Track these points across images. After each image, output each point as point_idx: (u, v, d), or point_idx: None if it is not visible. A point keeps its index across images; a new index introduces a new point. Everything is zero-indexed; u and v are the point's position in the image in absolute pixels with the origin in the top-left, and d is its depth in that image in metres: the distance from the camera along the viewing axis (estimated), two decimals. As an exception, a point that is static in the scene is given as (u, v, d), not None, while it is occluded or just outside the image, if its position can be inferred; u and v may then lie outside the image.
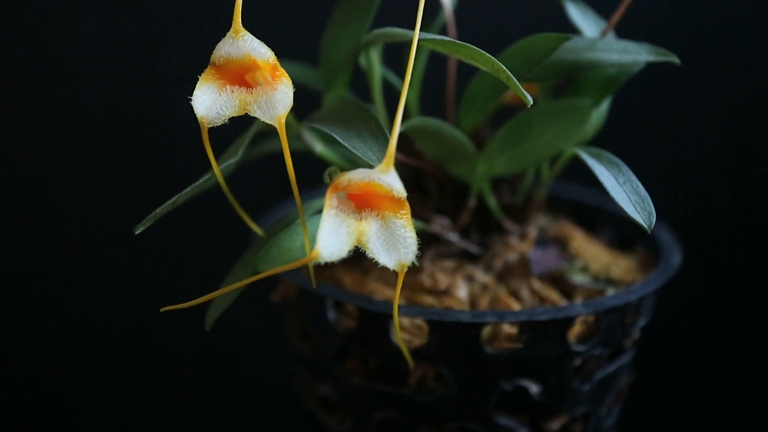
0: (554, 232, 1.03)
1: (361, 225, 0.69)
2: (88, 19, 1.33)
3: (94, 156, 1.38)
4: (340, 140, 0.74)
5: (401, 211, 0.68)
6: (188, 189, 0.77)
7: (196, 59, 0.80)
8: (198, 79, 0.71)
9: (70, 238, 1.40)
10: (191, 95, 0.71)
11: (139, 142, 1.39)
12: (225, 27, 0.72)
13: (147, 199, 1.01)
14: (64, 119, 1.36)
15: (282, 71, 0.71)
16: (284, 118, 0.70)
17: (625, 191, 0.78)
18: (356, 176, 0.68)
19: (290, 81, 0.71)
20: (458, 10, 1.01)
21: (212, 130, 0.72)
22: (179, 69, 1.32)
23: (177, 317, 1.04)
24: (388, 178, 0.67)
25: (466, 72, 0.93)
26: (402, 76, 0.96)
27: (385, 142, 0.74)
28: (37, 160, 1.37)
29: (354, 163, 0.93)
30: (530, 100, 0.72)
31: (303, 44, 1.04)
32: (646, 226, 0.75)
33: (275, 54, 0.71)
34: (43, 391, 1.45)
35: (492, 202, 0.95)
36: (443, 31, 0.98)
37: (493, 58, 0.72)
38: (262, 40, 0.71)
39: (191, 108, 0.71)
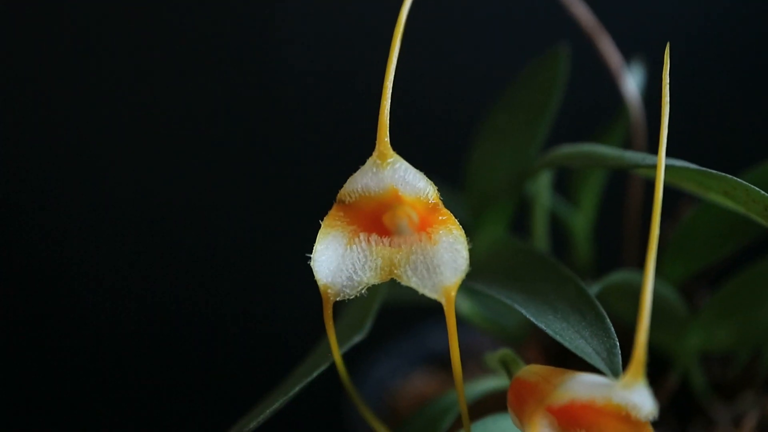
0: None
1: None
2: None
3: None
4: (533, 319, 0.49)
5: None
6: (301, 381, 0.52)
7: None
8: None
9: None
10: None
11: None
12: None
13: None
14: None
15: (448, 214, 0.47)
16: (455, 290, 0.45)
17: None
18: (581, 391, 0.42)
19: (461, 230, 0.46)
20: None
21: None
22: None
23: None
24: (636, 397, 0.41)
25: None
26: (570, 199, 0.71)
27: (599, 321, 0.48)
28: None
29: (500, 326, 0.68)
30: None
31: (434, 155, 0.79)
32: None
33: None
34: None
35: (699, 380, 0.68)
36: (628, 134, 0.71)
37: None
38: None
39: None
